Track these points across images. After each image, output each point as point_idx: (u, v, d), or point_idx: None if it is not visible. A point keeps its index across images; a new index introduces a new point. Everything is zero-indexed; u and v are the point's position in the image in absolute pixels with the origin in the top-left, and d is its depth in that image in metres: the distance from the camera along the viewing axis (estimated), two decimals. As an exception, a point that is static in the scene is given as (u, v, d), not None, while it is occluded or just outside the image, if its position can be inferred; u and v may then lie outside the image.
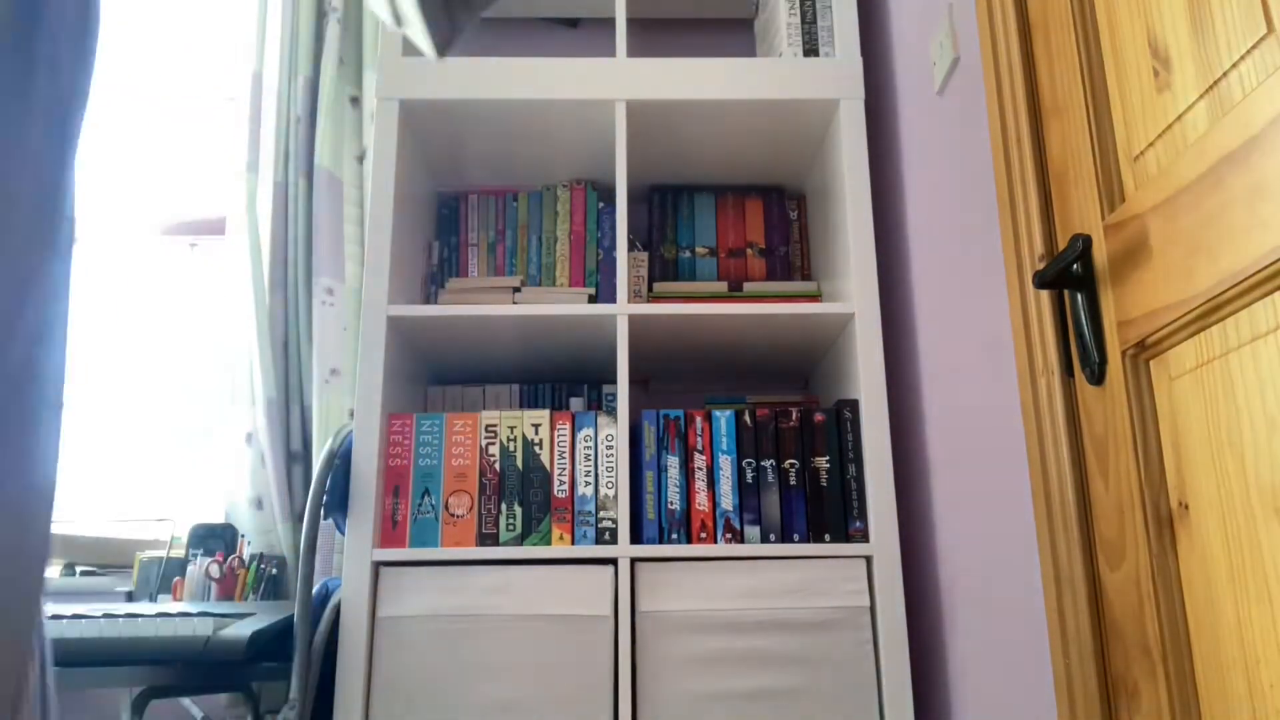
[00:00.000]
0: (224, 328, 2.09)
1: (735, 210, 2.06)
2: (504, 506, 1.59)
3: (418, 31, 0.81)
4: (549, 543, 1.57)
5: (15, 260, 0.43)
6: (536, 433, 1.63)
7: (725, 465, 1.63)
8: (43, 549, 0.44)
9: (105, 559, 2.05)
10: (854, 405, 1.65)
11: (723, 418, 1.65)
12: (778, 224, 2.06)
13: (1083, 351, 1.02)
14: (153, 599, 1.83)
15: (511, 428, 1.63)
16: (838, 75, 1.80)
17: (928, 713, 1.58)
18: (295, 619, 1.49)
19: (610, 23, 2.33)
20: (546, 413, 1.64)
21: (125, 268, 2.29)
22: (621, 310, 1.67)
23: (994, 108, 1.23)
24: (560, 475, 1.61)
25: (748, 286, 1.88)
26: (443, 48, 0.81)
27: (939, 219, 1.54)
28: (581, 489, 1.60)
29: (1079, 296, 1.03)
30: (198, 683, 1.59)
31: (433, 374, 1.99)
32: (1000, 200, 1.21)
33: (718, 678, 1.51)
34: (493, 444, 1.62)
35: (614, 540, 1.57)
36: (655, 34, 2.33)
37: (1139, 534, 0.92)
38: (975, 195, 1.38)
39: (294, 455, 1.99)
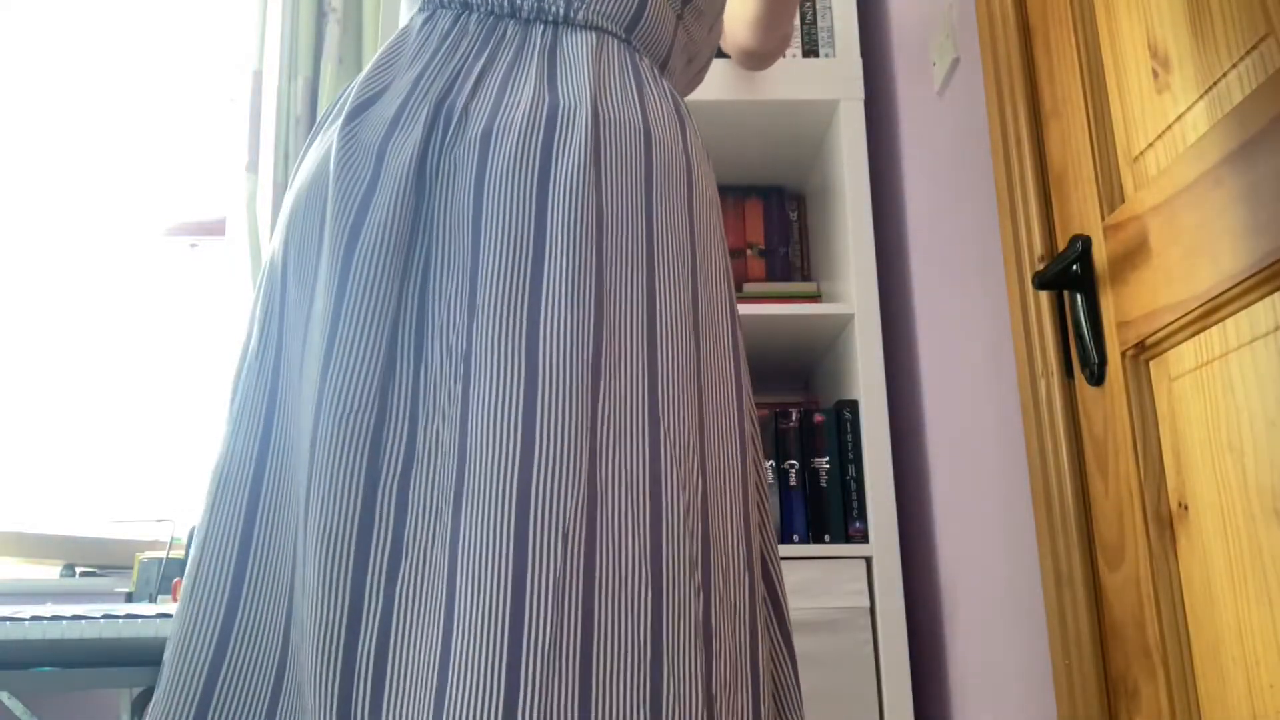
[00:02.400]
0: (224, 328, 2.09)
1: (735, 210, 2.06)
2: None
3: None
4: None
5: None
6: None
7: (725, 465, 1.63)
8: None
9: (105, 559, 2.05)
10: (854, 406, 1.65)
11: (723, 418, 1.65)
12: (778, 224, 2.06)
13: (1082, 352, 1.02)
14: (153, 599, 1.82)
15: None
16: (837, 76, 1.80)
17: (928, 713, 1.58)
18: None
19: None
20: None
21: (125, 268, 2.29)
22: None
23: (994, 108, 1.23)
24: (560, 475, 1.60)
25: (747, 287, 1.88)
26: None
27: (939, 219, 1.54)
28: (581, 489, 1.60)
29: (1079, 297, 1.03)
30: (198, 683, 1.58)
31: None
32: (1000, 201, 1.21)
33: (718, 678, 1.51)
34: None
35: (614, 540, 1.56)
36: (655, 34, 2.32)
37: (1139, 535, 0.92)
38: (975, 195, 1.38)
39: (294, 455, 1.99)
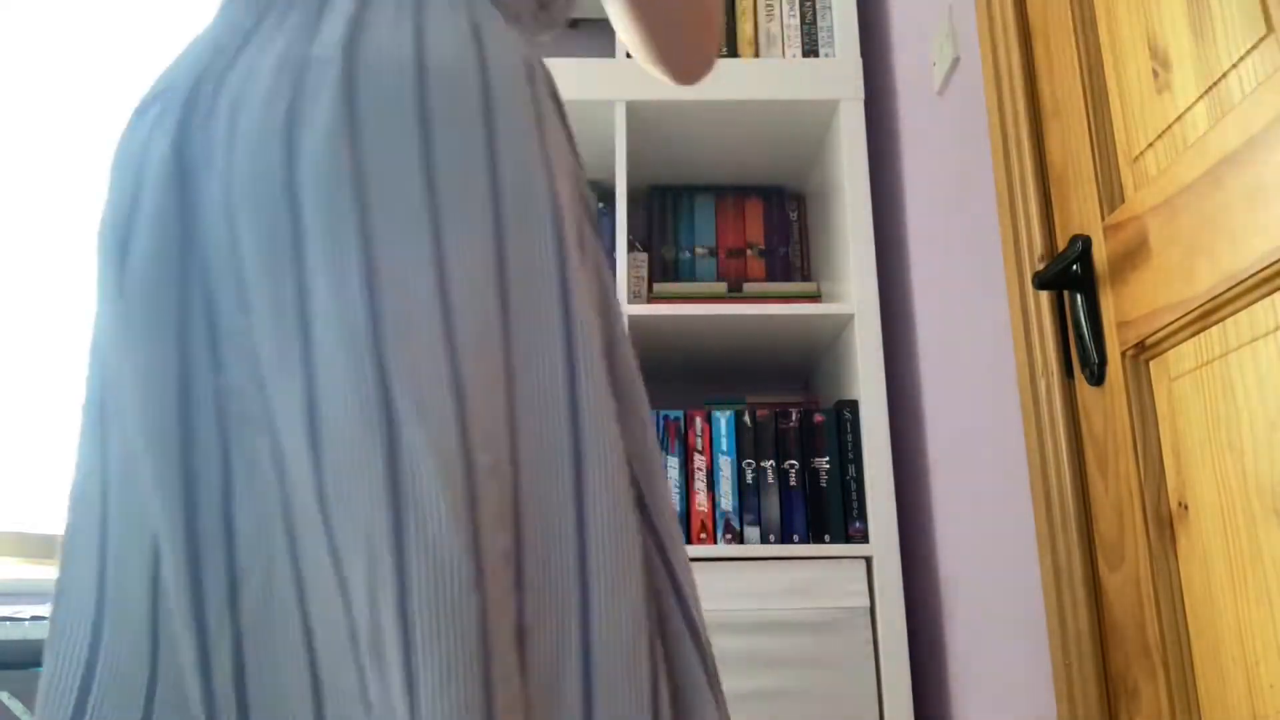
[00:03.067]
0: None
1: (735, 210, 2.06)
2: (504, 507, 1.59)
3: None
4: (549, 543, 1.57)
5: None
6: (536, 433, 1.63)
7: (725, 466, 1.63)
8: None
9: (105, 559, 2.04)
10: (854, 406, 1.65)
11: (722, 418, 1.65)
12: (778, 224, 2.06)
13: (1082, 352, 1.02)
14: (153, 599, 1.82)
15: (511, 428, 1.63)
16: (838, 75, 1.80)
17: (928, 713, 1.58)
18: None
19: (609, 23, 2.33)
20: (546, 413, 1.64)
21: (125, 268, 2.29)
22: (621, 311, 1.68)
23: (994, 108, 1.23)
24: (560, 476, 1.61)
25: (748, 287, 1.88)
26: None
27: (939, 219, 1.54)
28: (581, 489, 1.60)
29: (1079, 297, 1.03)
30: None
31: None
32: (1000, 201, 1.21)
33: (718, 678, 1.51)
34: (493, 444, 1.62)
35: (614, 540, 1.56)
36: (655, 34, 2.32)
37: (1139, 534, 0.92)
38: (975, 195, 1.38)
39: (294, 456, 1.99)
